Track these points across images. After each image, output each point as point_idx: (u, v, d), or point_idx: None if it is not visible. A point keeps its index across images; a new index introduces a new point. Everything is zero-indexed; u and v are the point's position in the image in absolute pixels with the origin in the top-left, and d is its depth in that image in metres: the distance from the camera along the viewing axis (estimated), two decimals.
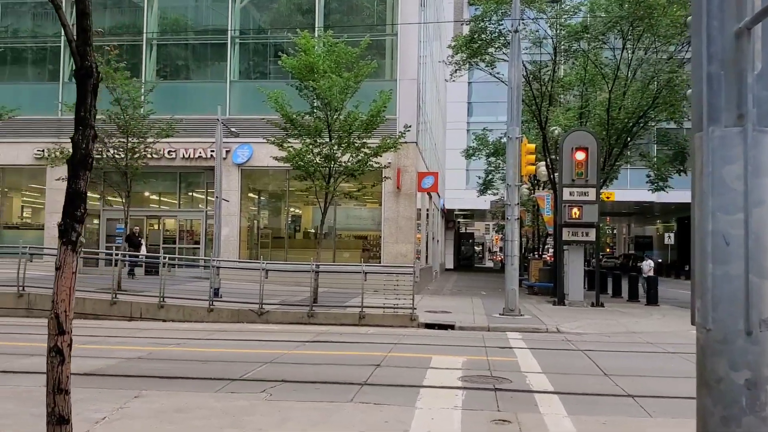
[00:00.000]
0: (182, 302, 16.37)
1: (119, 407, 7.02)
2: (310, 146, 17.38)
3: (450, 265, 54.13)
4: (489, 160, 36.90)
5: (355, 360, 10.56)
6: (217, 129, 19.38)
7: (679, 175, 30.82)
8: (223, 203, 24.36)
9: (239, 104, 24.78)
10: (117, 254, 17.70)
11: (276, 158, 18.08)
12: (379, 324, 15.64)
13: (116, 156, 18.35)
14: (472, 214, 63.56)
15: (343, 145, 17.49)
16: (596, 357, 11.44)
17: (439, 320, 16.20)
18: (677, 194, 45.29)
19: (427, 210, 32.42)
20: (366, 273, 16.06)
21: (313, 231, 27.37)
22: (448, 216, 54.41)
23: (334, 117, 17.48)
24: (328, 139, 17.54)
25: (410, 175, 23.92)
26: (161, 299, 16.20)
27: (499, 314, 17.68)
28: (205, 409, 7.09)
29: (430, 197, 33.43)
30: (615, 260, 63.67)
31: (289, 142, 17.71)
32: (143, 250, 23.52)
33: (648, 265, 26.21)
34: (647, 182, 31.49)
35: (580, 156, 21.45)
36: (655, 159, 29.96)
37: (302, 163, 17.51)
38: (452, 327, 15.65)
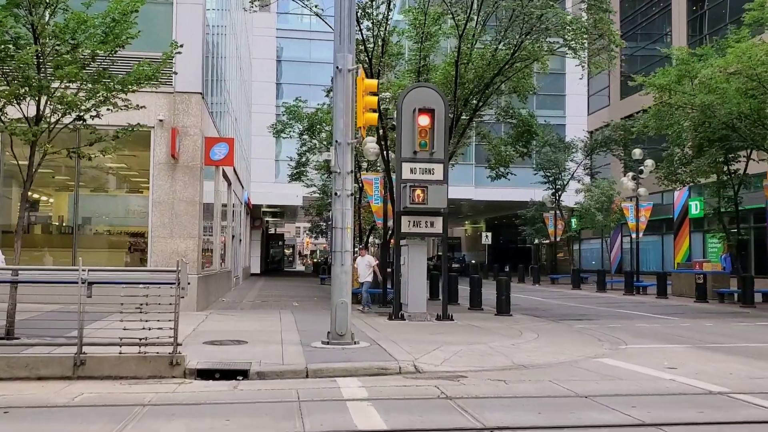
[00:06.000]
0: None
1: None
2: None
3: (257, 269, 47.37)
4: (303, 138, 30.25)
5: None
6: None
7: (522, 159, 26.82)
8: None
9: None
10: None
11: None
12: (110, 375, 8.61)
13: None
14: (282, 213, 56.88)
15: (63, 67, 10.19)
16: None
17: (224, 361, 9.52)
18: (491, 191, 42.59)
19: (224, 204, 25.37)
20: (90, 284, 8.92)
21: (56, 224, 19.66)
22: (255, 213, 47.54)
23: (44, 16, 10.17)
24: (34, 55, 10.15)
25: (193, 140, 16.81)
26: None
27: (323, 342, 11.38)
28: None
29: (230, 184, 26.41)
30: (429, 261, 61.16)
31: None
32: None
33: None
34: (486, 167, 27.13)
35: (423, 121, 16.05)
36: (497, 139, 25.33)
37: None
38: (245, 374, 9.05)
